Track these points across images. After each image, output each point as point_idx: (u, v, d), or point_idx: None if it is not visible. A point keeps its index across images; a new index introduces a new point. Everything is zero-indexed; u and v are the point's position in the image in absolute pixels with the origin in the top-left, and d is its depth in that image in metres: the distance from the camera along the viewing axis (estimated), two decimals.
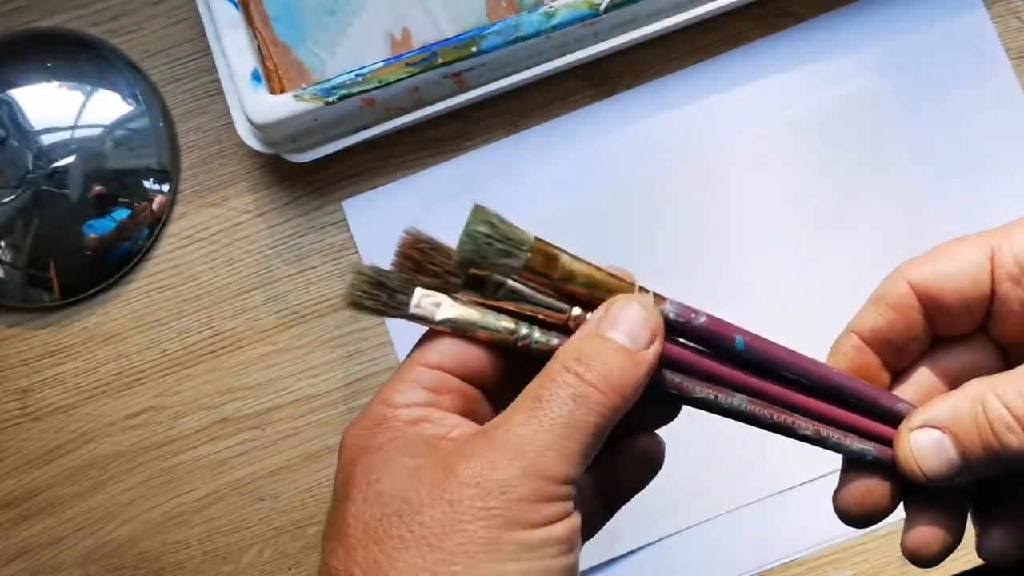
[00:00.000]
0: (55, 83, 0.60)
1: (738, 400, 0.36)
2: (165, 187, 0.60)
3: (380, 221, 0.59)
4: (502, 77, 0.57)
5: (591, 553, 0.56)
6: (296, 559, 0.58)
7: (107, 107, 0.59)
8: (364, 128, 0.57)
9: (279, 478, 0.58)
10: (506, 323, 0.36)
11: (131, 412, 0.59)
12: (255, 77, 0.56)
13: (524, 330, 0.35)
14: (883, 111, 0.59)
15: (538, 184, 0.59)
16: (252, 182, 0.60)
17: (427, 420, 0.35)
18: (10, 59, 0.60)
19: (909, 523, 0.37)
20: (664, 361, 0.36)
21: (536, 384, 0.34)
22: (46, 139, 0.58)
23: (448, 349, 0.36)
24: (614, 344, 0.34)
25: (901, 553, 0.37)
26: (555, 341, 0.35)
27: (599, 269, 0.36)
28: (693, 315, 0.36)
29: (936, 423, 0.35)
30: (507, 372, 0.36)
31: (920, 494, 0.37)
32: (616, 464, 0.39)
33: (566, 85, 0.60)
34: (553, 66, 0.57)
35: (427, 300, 0.36)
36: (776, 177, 0.59)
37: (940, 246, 0.37)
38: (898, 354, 0.38)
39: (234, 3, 0.56)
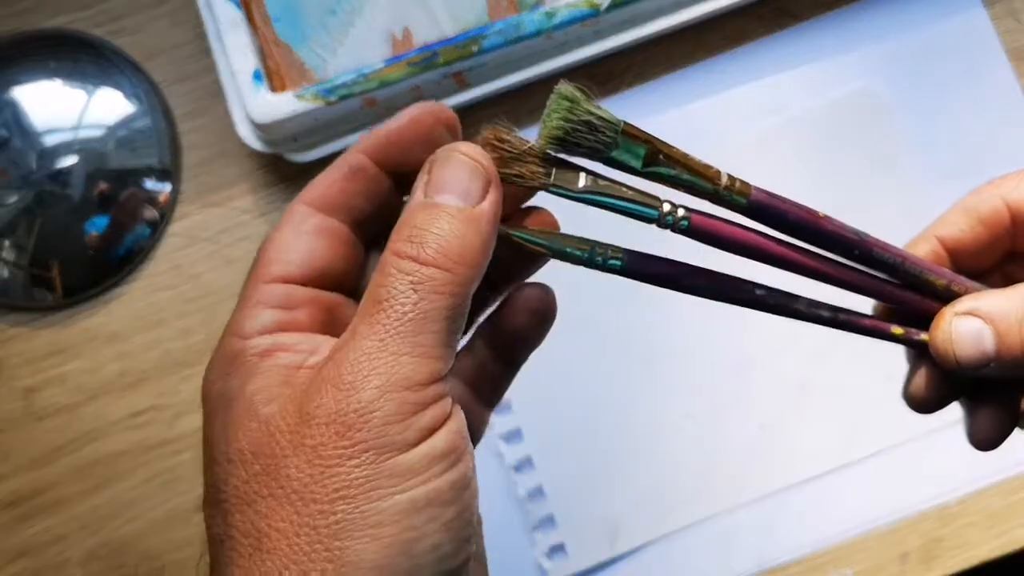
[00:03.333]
0: (58, 84, 0.60)
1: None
2: (167, 187, 0.60)
3: None
4: (503, 76, 0.57)
5: (591, 553, 0.56)
6: None
7: (109, 107, 0.60)
8: (365, 128, 0.58)
9: None
10: (582, 243, 0.33)
11: (134, 411, 0.59)
12: (256, 77, 0.56)
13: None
14: (883, 111, 0.59)
15: None
16: (254, 182, 0.61)
17: (280, 349, 0.31)
18: (13, 60, 0.60)
19: (968, 415, 0.37)
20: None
21: (373, 282, 0.30)
22: (49, 139, 0.59)
23: (289, 256, 0.32)
24: (445, 208, 0.31)
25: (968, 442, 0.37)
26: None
27: (689, 157, 0.33)
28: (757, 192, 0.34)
29: (982, 314, 0.34)
30: (363, 264, 0.33)
31: (970, 387, 0.37)
32: (502, 319, 0.35)
33: None
34: (554, 66, 0.57)
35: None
36: (776, 176, 0.59)
37: None
38: (973, 264, 0.38)
39: (235, 3, 0.57)
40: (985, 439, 0.37)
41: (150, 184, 0.60)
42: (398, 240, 0.30)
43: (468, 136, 0.34)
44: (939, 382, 0.37)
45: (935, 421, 0.56)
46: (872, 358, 0.57)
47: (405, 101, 0.57)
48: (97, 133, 0.59)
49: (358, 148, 0.34)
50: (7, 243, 0.59)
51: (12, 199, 0.58)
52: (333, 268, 0.33)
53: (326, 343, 0.32)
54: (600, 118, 0.33)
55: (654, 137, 0.33)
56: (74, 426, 0.59)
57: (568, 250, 0.33)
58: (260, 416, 0.30)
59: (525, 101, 0.60)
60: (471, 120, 0.59)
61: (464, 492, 0.30)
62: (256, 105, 0.55)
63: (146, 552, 0.58)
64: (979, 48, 0.59)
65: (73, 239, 0.59)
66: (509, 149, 0.33)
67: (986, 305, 0.34)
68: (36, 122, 0.59)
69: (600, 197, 0.33)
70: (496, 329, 0.36)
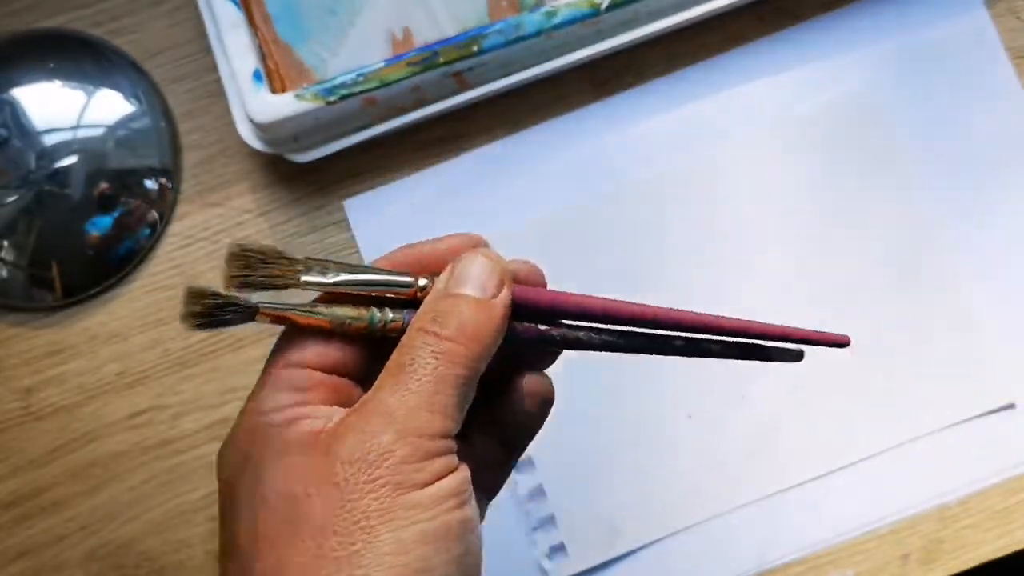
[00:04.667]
0: (57, 83, 0.60)
1: (602, 335, 0.38)
2: (167, 187, 0.60)
3: (381, 220, 0.60)
4: (503, 76, 0.57)
5: (591, 553, 0.56)
6: None
7: (109, 107, 0.60)
8: (365, 128, 0.58)
9: None
10: (358, 311, 0.36)
11: (133, 412, 0.59)
12: (256, 77, 0.56)
13: (377, 314, 0.36)
14: (883, 110, 0.59)
15: (539, 184, 0.59)
16: (254, 182, 0.61)
17: (302, 417, 0.34)
18: (12, 59, 0.60)
19: None
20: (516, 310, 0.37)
21: (398, 353, 0.34)
22: (48, 139, 0.59)
23: (310, 344, 0.36)
24: (465, 297, 0.35)
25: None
26: (408, 316, 0.36)
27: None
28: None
29: None
30: (373, 355, 0.36)
31: None
32: (507, 406, 0.39)
33: (567, 85, 0.60)
34: (554, 65, 0.57)
35: (270, 303, 0.35)
36: (776, 177, 0.59)
37: None
38: None
39: (235, 3, 0.57)
40: None
41: (150, 184, 0.60)
42: (423, 320, 0.35)
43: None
44: None
45: (935, 422, 0.56)
46: (871, 358, 0.57)
47: (405, 101, 0.57)
48: (96, 133, 0.59)
49: (386, 260, 0.38)
50: (6, 243, 0.59)
51: (11, 199, 0.58)
52: (348, 358, 0.36)
53: (341, 413, 0.35)
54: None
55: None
56: (73, 426, 0.59)
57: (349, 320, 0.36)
58: (287, 463, 0.33)
59: (525, 101, 0.60)
60: (472, 120, 0.60)
61: (471, 534, 0.34)
62: (256, 105, 0.55)
63: (145, 553, 0.58)
64: (980, 47, 0.59)
65: (73, 239, 0.59)
66: (255, 255, 0.35)
67: None
68: (35, 122, 0.59)
69: (354, 285, 0.36)
70: (499, 417, 0.39)
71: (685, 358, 0.39)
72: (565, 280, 0.59)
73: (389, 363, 0.34)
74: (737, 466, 0.56)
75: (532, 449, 0.56)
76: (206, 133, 0.61)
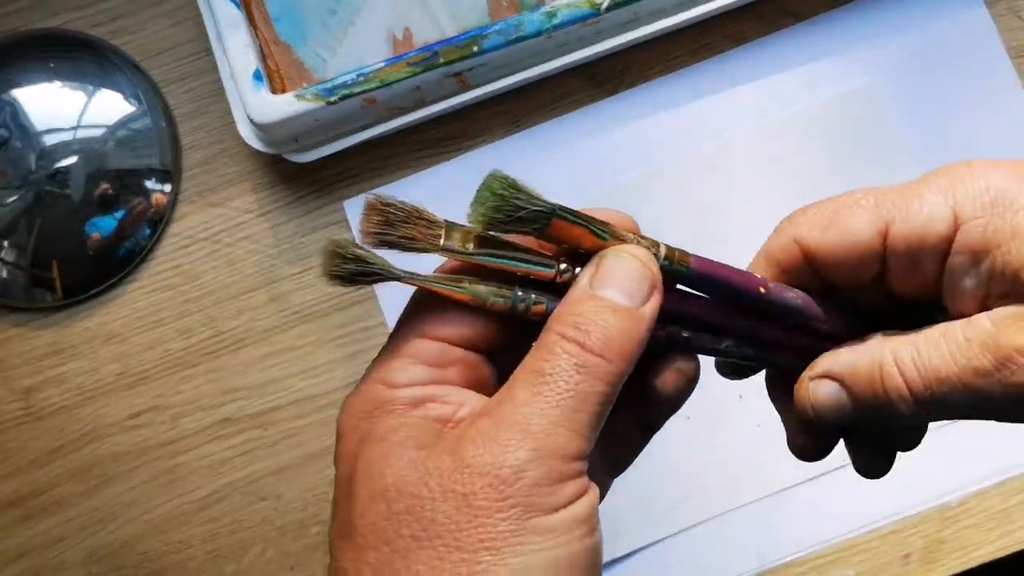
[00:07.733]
0: (57, 84, 0.60)
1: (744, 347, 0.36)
2: (167, 187, 0.60)
3: None
4: (503, 77, 0.57)
5: None
6: (298, 559, 0.58)
7: (109, 107, 0.60)
8: (366, 128, 0.58)
9: (281, 478, 0.58)
10: (502, 290, 0.33)
11: (133, 412, 0.59)
12: (257, 77, 0.56)
13: (520, 294, 0.33)
14: (884, 110, 0.59)
15: (539, 184, 0.59)
16: (254, 182, 0.61)
17: (431, 399, 0.33)
18: (12, 60, 0.60)
19: (851, 453, 0.38)
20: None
21: (535, 356, 0.32)
22: (48, 139, 0.59)
23: (447, 316, 0.33)
24: (611, 303, 0.32)
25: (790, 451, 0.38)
26: (552, 304, 0.33)
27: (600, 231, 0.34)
28: (689, 259, 0.35)
29: (836, 376, 0.35)
30: (507, 333, 0.34)
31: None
32: (648, 383, 0.36)
33: (567, 84, 0.60)
34: (554, 65, 0.57)
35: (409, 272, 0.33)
36: (777, 176, 0.59)
37: (833, 205, 0.38)
38: None
39: (236, 3, 0.57)
40: (871, 471, 0.38)
41: (150, 184, 0.60)
42: (563, 324, 0.32)
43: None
44: (817, 433, 0.37)
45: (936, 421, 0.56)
46: None
47: (405, 101, 0.57)
48: (97, 133, 0.59)
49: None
50: (7, 243, 0.59)
51: (12, 199, 0.58)
52: (484, 334, 0.34)
53: (473, 398, 0.33)
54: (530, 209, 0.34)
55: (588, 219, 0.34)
56: (73, 426, 0.59)
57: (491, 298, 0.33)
58: (411, 457, 0.31)
59: (525, 101, 0.60)
60: (473, 119, 0.60)
61: (598, 563, 0.32)
62: (256, 105, 0.55)
63: (146, 554, 0.58)
64: (980, 46, 0.59)
65: (73, 239, 0.59)
66: (396, 212, 0.33)
67: (839, 367, 0.35)
68: (36, 122, 0.59)
69: (494, 258, 0.33)
70: (640, 395, 0.36)
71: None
72: None
73: (526, 363, 0.32)
74: (737, 466, 0.56)
75: None
76: (206, 133, 0.61)
